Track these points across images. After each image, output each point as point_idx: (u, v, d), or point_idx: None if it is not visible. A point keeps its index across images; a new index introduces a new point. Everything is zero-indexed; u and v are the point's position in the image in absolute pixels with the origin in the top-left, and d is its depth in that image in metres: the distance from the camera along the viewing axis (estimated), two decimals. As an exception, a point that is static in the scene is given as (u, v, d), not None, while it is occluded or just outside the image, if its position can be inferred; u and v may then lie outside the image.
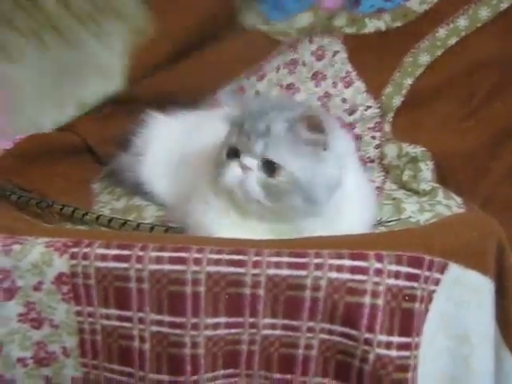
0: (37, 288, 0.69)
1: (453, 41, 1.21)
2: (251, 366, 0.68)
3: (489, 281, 0.71)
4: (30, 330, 0.71)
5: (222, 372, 0.68)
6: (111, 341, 0.69)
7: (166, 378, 0.67)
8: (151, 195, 1.04)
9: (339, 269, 0.64)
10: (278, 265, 0.64)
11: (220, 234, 0.74)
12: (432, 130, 1.21)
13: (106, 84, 1.21)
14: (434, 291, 0.67)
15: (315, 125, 0.70)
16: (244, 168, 0.73)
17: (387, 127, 1.25)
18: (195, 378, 0.66)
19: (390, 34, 1.24)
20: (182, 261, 0.65)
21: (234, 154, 0.74)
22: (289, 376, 0.68)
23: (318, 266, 0.64)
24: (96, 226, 0.96)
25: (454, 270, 0.68)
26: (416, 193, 1.12)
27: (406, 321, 0.65)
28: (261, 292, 0.64)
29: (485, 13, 1.19)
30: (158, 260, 0.65)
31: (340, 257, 0.64)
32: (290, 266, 0.64)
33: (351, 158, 0.80)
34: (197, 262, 0.65)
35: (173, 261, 0.65)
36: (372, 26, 1.24)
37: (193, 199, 0.81)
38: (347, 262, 0.64)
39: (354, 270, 0.64)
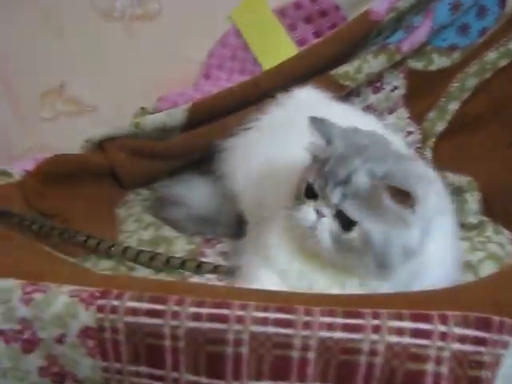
0: (59, 340, 0.63)
1: (504, 62, 1.14)
2: (295, 434, 0.61)
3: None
4: (51, 386, 0.65)
5: None
6: (141, 400, 0.62)
7: None
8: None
9: (399, 332, 0.56)
10: (331, 326, 0.57)
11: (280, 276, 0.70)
12: (478, 158, 1.15)
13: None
14: (502, 355, 0.60)
15: (399, 196, 0.62)
16: (319, 213, 0.66)
17: (428, 154, 1.18)
18: None
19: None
20: (222, 318, 0.58)
21: (312, 192, 0.67)
22: None
23: (376, 328, 0.57)
24: (123, 259, 0.91)
25: (525, 332, 0.61)
26: (462, 226, 1.05)
27: (474, 391, 0.57)
28: (311, 355, 0.57)
29: None
30: (196, 317, 0.58)
31: (400, 318, 0.57)
32: (345, 327, 0.57)
33: (441, 219, 0.71)
34: (239, 320, 0.58)
35: (212, 318, 0.58)
36: (439, 63, 1.15)
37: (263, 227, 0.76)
38: (408, 324, 0.57)
39: (416, 333, 0.56)
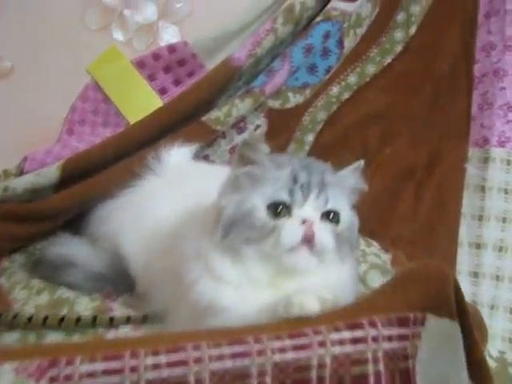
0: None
1: (346, 95, 1.30)
2: None
3: (457, 324, 0.75)
4: None
5: None
6: None
7: None
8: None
9: (341, 342, 0.64)
10: (281, 350, 0.62)
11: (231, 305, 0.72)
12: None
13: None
14: (418, 345, 0.70)
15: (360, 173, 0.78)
16: (306, 222, 0.71)
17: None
18: None
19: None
20: (181, 363, 0.60)
21: (276, 211, 0.72)
22: None
23: (321, 344, 0.63)
24: (29, 327, 0.87)
25: (430, 321, 0.71)
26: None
27: (405, 380, 0.66)
28: (268, 380, 0.62)
29: (371, 69, 1.30)
30: (155, 366, 0.60)
31: (338, 329, 0.65)
32: (294, 348, 0.63)
33: None
34: (197, 360, 0.61)
35: (171, 364, 0.60)
36: (294, 100, 1.26)
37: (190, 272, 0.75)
38: (347, 334, 0.64)
39: (354, 341, 0.64)
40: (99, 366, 0.60)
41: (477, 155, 1.33)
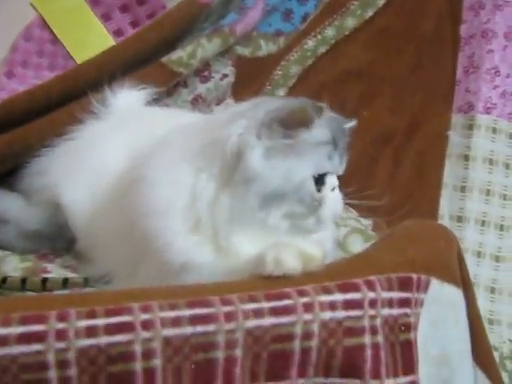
0: None
1: (322, 50, 1.19)
2: None
3: (461, 292, 0.63)
4: None
5: None
6: None
7: None
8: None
9: (332, 306, 0.51)
10: (257, 313, 0.49)
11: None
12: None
13: None
14: (420, 313, 0.58)
15: None
16: (335, 189, 0.67)
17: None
18: None
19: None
20: (124, 327, 0.46)
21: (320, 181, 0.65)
22: None
23: (307, 307, 0.50)
24: None
25: (434, 286, 0.59)
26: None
27: (408, 355, 0.54)
28: (238, 352, 0.48)
29: (351, 22, 1.19)
30: (90, 332, 0.46)
31: (328, 291, 0.51)
32: (273, 312, 0.49)
33: None
34: (147, 325, 0.46)
35: (111, 329, 0.46)
36: (266, 49, 1.12)
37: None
38: (339, 297, 0.51)
39: (348, 304, 0.51)
40: (15, 330, 0.45)
41: (461, 122, 1.23)
